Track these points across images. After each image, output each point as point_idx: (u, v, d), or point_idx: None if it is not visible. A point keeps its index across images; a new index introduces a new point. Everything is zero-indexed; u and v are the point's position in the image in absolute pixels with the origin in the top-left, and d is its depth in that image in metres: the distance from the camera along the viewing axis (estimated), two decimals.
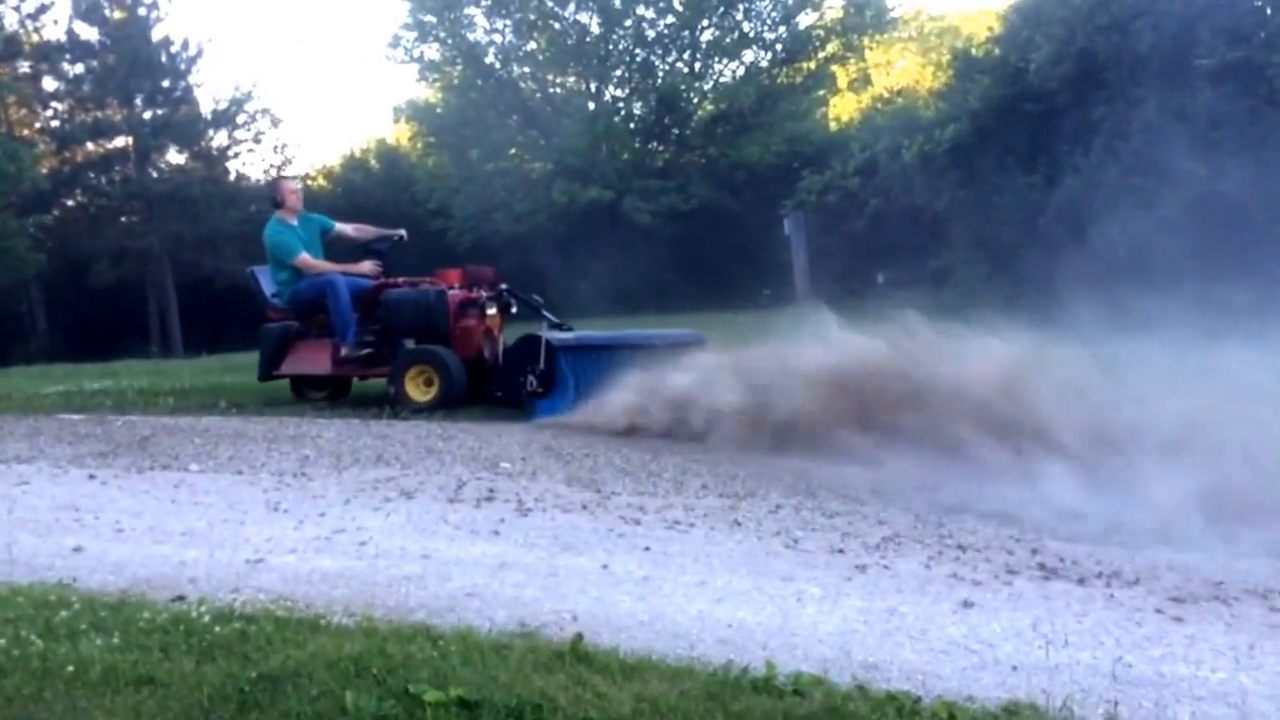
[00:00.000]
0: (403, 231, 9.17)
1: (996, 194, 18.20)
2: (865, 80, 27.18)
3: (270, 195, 9.10)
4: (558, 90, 27.30)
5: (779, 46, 25.81)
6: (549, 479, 6.12)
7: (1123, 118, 16.69)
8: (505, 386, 7.94)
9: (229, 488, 5.95)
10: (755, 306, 19.04)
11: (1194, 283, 15.25)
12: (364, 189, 29.99)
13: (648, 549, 4.82)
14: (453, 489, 5.86)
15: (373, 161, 31.93)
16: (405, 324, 8.33)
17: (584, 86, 26.76)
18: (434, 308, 8.21)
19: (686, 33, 25.65)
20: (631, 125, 26.61)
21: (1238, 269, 14.82)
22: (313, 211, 9.08)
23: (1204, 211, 15.50)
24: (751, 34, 25.85)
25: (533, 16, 25.82)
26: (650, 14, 25.75)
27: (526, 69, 27.30)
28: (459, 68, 26.89)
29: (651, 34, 25.94)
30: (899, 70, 30.61)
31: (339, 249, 9.21)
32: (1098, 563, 4.74)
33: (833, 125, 26.58)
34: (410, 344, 8.37)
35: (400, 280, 8.67)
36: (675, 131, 26.56)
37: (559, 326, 8.19)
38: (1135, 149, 16.57)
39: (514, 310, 8.76)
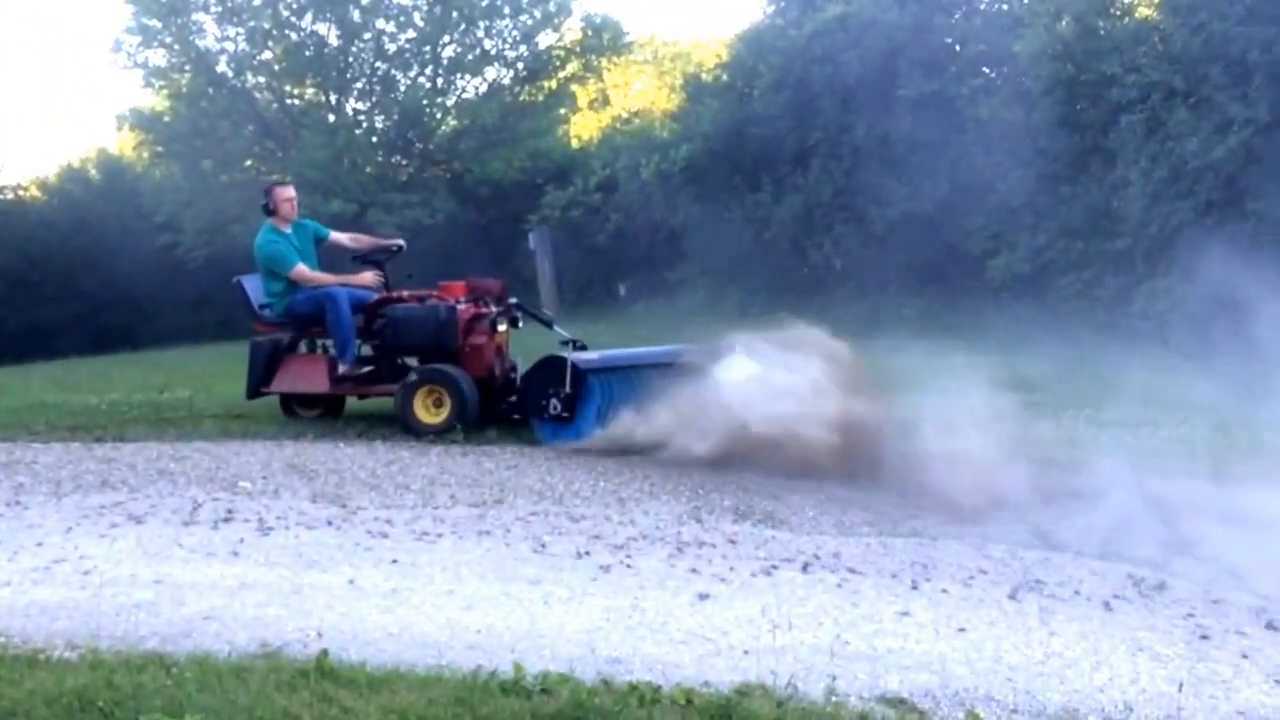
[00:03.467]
0: (401, 241, 8.65)
1: (727, 210, 19.13)
2: (605, 100, 27.80)
3: (263, 202, 8.28)
4: (296, 102, 26.37)
5: (520, 65, 25.96)
6: (292, 496, 5.98)
7: (836, 142, 17.97)
8: (525, 408, 7.54)
9: None
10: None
11: (897, 292, 16.74)
12: (84, 201, 27.93)
13: (395, 561, 4.82)
14: (187, 511, 5.62)
15: (93, 172, 29.78)
16: (413, 341, 7.86)
17: (323, 99, 25.99)
18: (445, 324, 7.70)
19: (428, 48, 25.37)
20: (374, 139, 26.09)
21: (932, 280, 16.31)
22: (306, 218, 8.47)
23: (905, 228, 16.91)
24: (493, 51, 25.87)
25: (267, 25, 24.79)
26: (391, 28, 25.33)
27: (262, 79, 26.21)
28: (188, 75, 25.49)
29: (392, 48, 25.49)
30: (636, 92, 31.49)
31: (330, 258, 8.61)
32: (819, 550, 5.13)
33: (575, 143, 27.04)
34: (413, 362, 7.96)
35: (405, 294, 8.12)
36: (419, 146, 26.24)
37: (572, 343, 7.74)
38: (847, 170, 17.87)
39: (520, 325, 8.35)
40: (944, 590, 4.60)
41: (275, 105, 26.16)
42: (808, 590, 4.56)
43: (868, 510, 5.84)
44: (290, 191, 8.30)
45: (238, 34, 25.46)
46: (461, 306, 7.82)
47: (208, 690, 3.27)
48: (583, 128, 28.12)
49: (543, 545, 5.11)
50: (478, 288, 8.17)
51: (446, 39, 25.33)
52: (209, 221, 23.86)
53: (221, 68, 25.68)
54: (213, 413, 8.62)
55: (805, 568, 4.86)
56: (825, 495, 6.13)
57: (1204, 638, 4.11)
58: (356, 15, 24.76)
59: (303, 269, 7.98)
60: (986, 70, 17.07)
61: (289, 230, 8.15)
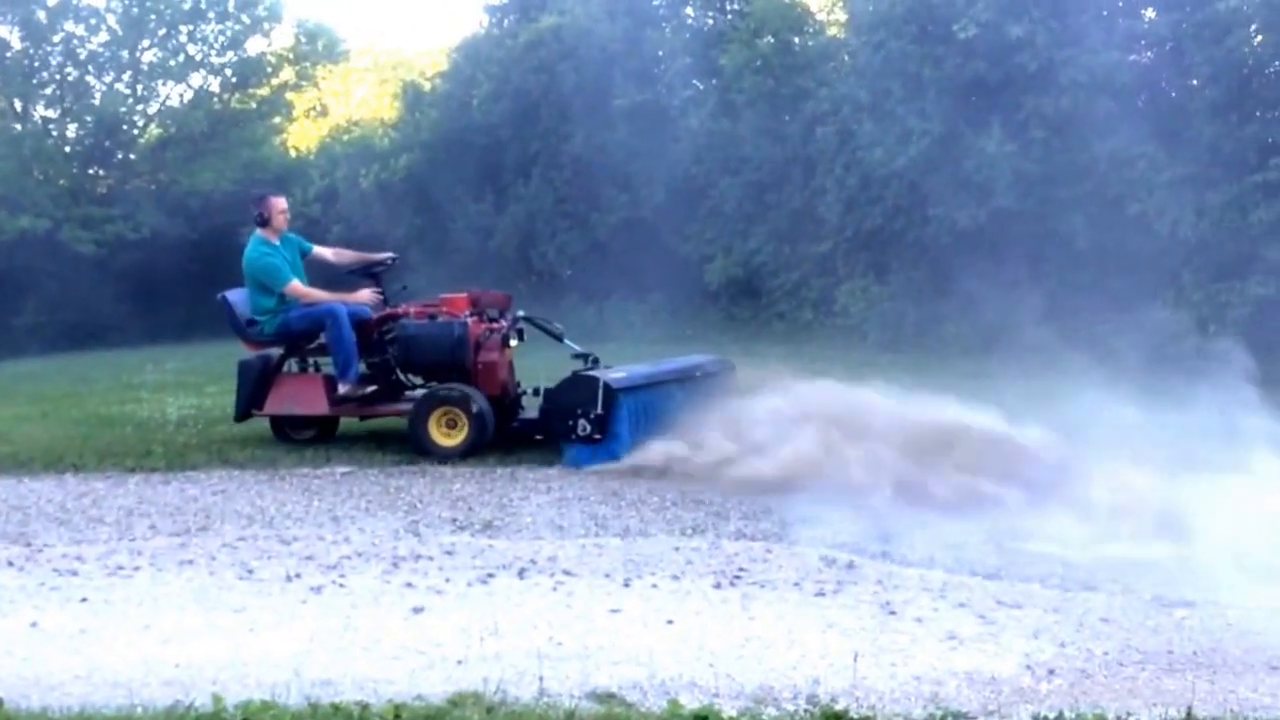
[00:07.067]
0: (393, 254, 8.18)
1: (451, 220, 19.05)
2: (323, 109, 26.93)
3: (255, 212, 7.57)
4: None
5: (229, 71, 24.76)
6: None
7: (555, 150, 18.26)
8: (550, 429, 7.14)
9: None
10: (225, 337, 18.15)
11: (622, 299, 17.22)
12: None
13: (85, 600, 4.55)
14: None
15: None
16: (425, 360, 7.44)
17: (7, 106, 23.86)
18: (460, 343, 7.27)
19: (125, 53, 23.79)
20: (67, 149, 24.18)
21: (655, 285, 16.86)
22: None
23: (627, 235, 17.39)
24: (199, 57, 24.51)
25: None
26: (81, 31, 23.55)
27: None
28: None
29: (84, 53, 23.73)
30: (358, 100, 30.72)
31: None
32: (536, 555, 5.21)
33: (292, 153, 26.06)
34: (418, 381, 7.60)
35: (408, 309, 7.60)
36: (119, 156, 24.52)
37: (584, 356, 7.40)
38: (568, 179, 18.21)
39: (524, 338, 7.78)
40: (654, 585, 4.78)
41: None
42: (523, 595, 4.64)
43: (584, 512, 5.99)
44: (284, 202, 7.84)
45: None
46: (470, 321, 7.48)
47: None
48: (301, 137, 27.15)
49: (250, 571, 4.94)
50: (482, 300, 7.86)
51: (146, 43, 23.82)
52: None
53: None
54: None
55: (521, 573, 4.93)
56: (544, 500, 6.24)
57: (891, 613, 4.41)
58: (42, 17, 22.89)
59: (298, 285, 7.56)
60: (696, 83, 17.78)
61: (278, 243, 7.65)
